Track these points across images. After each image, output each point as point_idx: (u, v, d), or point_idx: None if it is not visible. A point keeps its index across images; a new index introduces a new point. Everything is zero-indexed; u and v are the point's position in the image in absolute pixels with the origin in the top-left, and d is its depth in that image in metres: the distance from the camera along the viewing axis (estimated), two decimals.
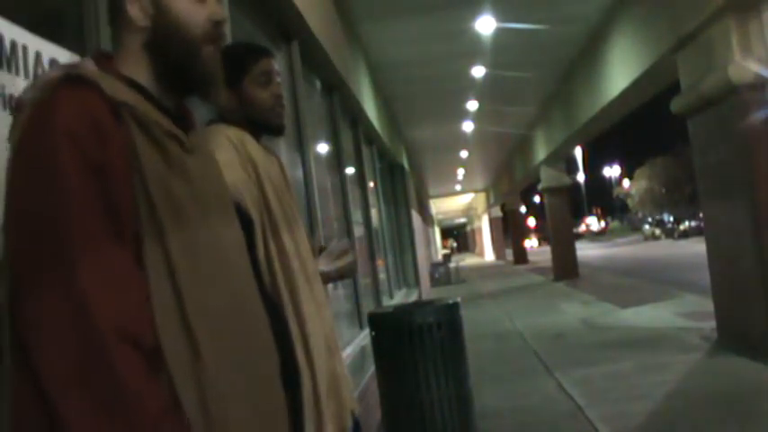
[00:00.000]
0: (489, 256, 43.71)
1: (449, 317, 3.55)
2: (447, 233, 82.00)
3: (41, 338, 0.94)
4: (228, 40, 3.14)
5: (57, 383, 0.93)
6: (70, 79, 1.06)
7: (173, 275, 1.04)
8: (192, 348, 1.04)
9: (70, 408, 0.92)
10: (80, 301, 0.94)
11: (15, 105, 1.15)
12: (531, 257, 32.62)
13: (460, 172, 27.58)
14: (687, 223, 41.95)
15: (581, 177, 75.79)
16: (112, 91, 1.06)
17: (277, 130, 2.01)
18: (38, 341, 0.94)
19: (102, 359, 0.93)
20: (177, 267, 1.05)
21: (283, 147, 4.25)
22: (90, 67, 1.12)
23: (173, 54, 1.18)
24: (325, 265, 2.15)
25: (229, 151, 1.83)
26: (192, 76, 1.20)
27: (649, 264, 22.99)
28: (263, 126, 1.96)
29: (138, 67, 1.17)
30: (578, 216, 73.70)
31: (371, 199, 9.28)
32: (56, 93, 1.05)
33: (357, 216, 7.74)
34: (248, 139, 1.90)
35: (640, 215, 60.67)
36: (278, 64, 2.06)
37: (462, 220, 66.63)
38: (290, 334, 1.79)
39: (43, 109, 1.04)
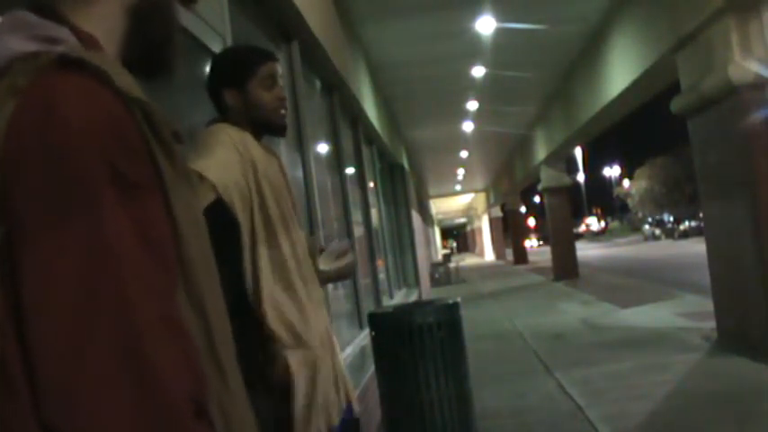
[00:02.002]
0: (489, 256, 43.72)
1: (449, 317, 3.55)
2: (447, 233, 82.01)
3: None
4: (229, 38, 3.15)
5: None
6: (68, 63, 0.78)
7: (196, 297, 0.87)
8: (218, 366, 0.87)
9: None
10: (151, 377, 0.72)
11: None
12: (531, 257, 32.62)
13: (460, 172, 27.59)
14: (687, 223, 41.99)
15: (581, 177, 75.84)
16: (123, 84, 0.82)
17: (279, 131, 2.05)
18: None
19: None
20: (198, 284, 0.88)
21: (283, 147, 4.25)
22: (70, 39, 0.84)
23: (154, 24, 0.96)
24: (324, 265, 2.15)
25: (230, 151, 1.85)
26: (162, 50, 0.99)
27: (649, 264, 22.99)
28: (265, 127, 1.99)
29: (108, 37, 0.90)
30: (578, 216, 73.70)
31: (371, 199, 9.29)
32: (52, 82, 0.77)
33: (357, 216, 7.74)
34: (249, 140, 1.92)
35: (640, 215, 60.68)
36: (281, 67, 2.08)
37: (462, 220, 66.65)
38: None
39: (41, 104, 0.75)
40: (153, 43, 0.97)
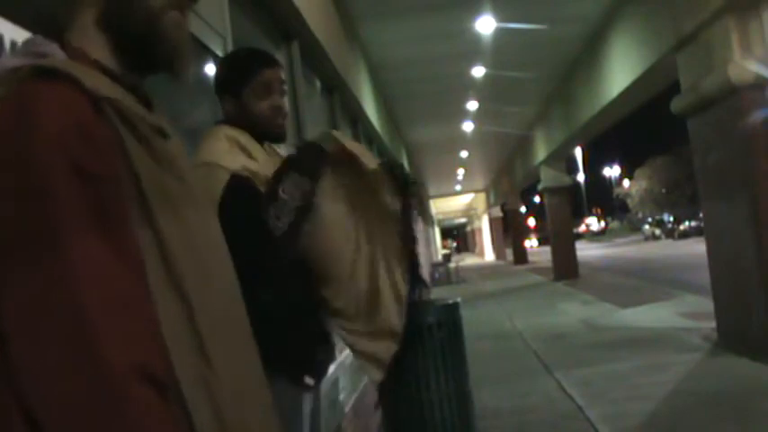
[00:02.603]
0: (489, 256, 43.71)
1: (449, 317, 3.55)
2: (447, 233, 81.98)
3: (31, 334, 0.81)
4: (229, 38, 3.15)
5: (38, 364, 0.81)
6: (42, 72, 0.89)
7: (177, 282, 0.94)
8: (201, 351, 0.95)
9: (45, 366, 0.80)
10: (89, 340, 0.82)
11: None
12: (531, 257, 32.60)
13: (460, 172, 27.59)
14: (687, 223, 41.95)
15: (581, 177, 75.83)
16: (93, 85, 0.91)
17: (276, 140, 2.02)
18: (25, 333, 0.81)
19: (114, 401, 0.82)
20: (180, 271, 0.95)
21: (283, 147, 4.25)
22: (57, 53, 0.96)
23: (129, 26, 1.02)
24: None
25: (227, 144, 1.85)
26: (153, 49, 1.04)
27: (649, 264, 22.99)
28: (261, 135, 1.97)
29: (96, 47, 1.01)
30: (578, 216, 73.68)
31: None
32: (28, 89, 0.88)
33: None
34: (247, 139, 1.90)
35: (640, 215, 60.65)
36: (282, 72, 2.04)
37: (462, 220, 66.64)
38: None
39: (15, 109, 0.86)
40: (135, 38, 1.03)
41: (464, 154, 21.51)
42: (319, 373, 1.92)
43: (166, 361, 0.90)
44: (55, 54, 0.96)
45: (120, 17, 1.02)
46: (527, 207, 61.85)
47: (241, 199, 1.74)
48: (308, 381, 1.84)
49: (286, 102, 2.05)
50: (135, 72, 1.06)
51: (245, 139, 1.90)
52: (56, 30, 1.03)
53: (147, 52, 1.05)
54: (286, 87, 2.05)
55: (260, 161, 1.87)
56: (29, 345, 0.81)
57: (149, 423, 0.84)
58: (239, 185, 1.76)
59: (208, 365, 0.95)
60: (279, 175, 1.80)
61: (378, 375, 1.91)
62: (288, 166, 1.83)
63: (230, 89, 1.96)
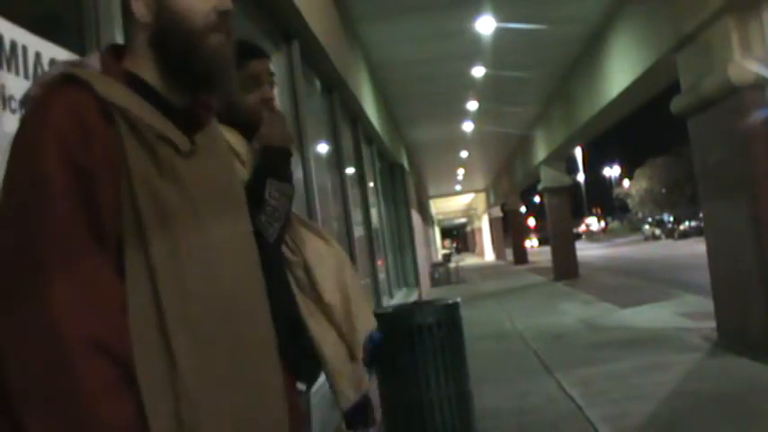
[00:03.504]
0: (489, 256, 43.70)
1: (449, 317, 3.55)
2: (447, 233, 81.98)
3: (11, 353, 0.92)
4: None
5: (24, 399, 0.91)
6: (65, 78, 1.05)
7: (153, 282, 1.02)
8: (168, 357, 1.01)
9: (35, 424, 0.90)
10: (52, 316, 0.92)
11: (21, 102, 1.16)
12: (531, 257, 32.60)
13: (460, 172, 27.57)
14: (687, 223, 41.95)
15: (581, 177, 75.81)
16: (106, 92, 1.04)
17: None
18: (7, 356, 0.92)
19: (68, 372, 0.92)
20: (159, 274, 1.02)
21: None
22: (93, 64, 1.11)
23: (174, 48, 1.13)
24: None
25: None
26: (195, 69, 1.14)
27: (649, 264, 22.99)
28: (249, 131, 1.87)
29: (145, 65, 1.14)
30: (578, 216, 73.64)
31: (371, 199, 9.28)
32: (50, 92, 1.04)
33: (357, 216, 7.74)
34: (237, 139, 1.81)
35: (640, 215, 60.67)
36: (272, 63, 1.98)
37: (462, 220, 66.64)
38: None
39: (36, 108, 1.04)
40: (179, 59, 1.14)
41: (464, 154, 21.51)
42: (309, 377, 1.90)
43: (127, 335, 0.99)
44: (89, 65, 1.10)
45: (166, 37, 1.13)
46: (527, 207, 61.78)
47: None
48: (300, 386, 1.84)
49: (276, 93, 2.00)
50: (182, 90, 1.16)
51: (234, 138, 1.83)
52: (119, 49, 1.18)
53: (189, 71, 1.15)
54: (275, 78, 1.98)
55: (247, 162, 1.82)
56: None
57: (93, 385, 0.93)
58: None
59: (173, 369, 1.01)
60: (259, 183, 1.78)
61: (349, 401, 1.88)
62: (264, 173, 1.80)
63: None
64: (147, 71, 1.14)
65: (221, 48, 1.16)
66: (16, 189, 1.00)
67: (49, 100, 1.03)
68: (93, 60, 1.11)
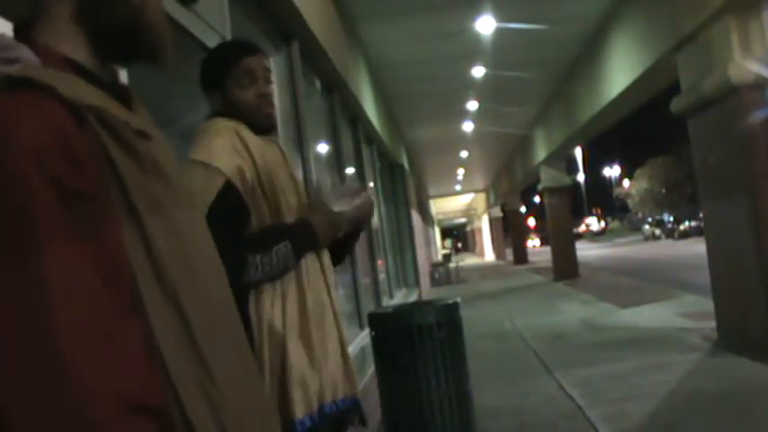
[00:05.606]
0: (489, 256, 43.71)
1: (449, 317, 3.55)
2: (447, 233, 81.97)
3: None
4: (229, 38, 3.14)
5: None
6: (18, 83, 0.82)
7: (170, 289, 0.90)
8: (203, 365, 0.90)
9: None
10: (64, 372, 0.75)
11: None
12: (531, 257, 32.61)
13: (460, 172, 27.58)
14: (687, 223, 41.93)
15: (581, 177, 75.82)
16: (73, 93, 0.85)
17: (264, 131, 1.95)
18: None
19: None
20: (173, 278, 0.91)
21: (283, 147, 4.24)
22: (28, 57, 0.87)
23: (112, 19, 0.97)
24: (339, 205, 1.97)
25: (227, 138, 1.83)
26: (138, 40, 0.99)
27: (649, 264, 22.99)
28: (250, 127, 1.91)
29: (71, 43, 0.94)
30: (578, 216, 73.66)
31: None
32: (1, 102, 0.81)
33: None
34: (242, 128, 1.88)
35: (640, 215, 60.66)
36: (266, 60, 2.00)
37: (462, 220, 66.66)
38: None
39: None
40: (118, 28, 0.97)
41: (464, 154, 21.51)
42: None
43: (159, 380, 0.84)
44: (27, 59, 0.86)
45: (102, 10, 0.96)
46: (527, 207, 61.85)
47: (226, 212, 1.73)
48: None
49: (273, 89, 2.00)
50: (113, 63, 1.01)
51: (241, 128, 1.88)
52: (22, 25, 0.95)
53: (131, 43, 1.00)
54: (271, 74, 1.98)
55: (255, 153, 1.84)
56: None
57: None
58: (229, 196, 1.75)
59: (204, 368, 0.91)
60: (282, 232, 1.82)
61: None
62: (290, 232, 1.82)
63: (214, 83, 1.93)
64: (76, 51, 0.94)
65: (160, 11, 1.02)
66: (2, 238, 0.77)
67: (8, 113, 0.80)
68: (25, 52, 0.87)
